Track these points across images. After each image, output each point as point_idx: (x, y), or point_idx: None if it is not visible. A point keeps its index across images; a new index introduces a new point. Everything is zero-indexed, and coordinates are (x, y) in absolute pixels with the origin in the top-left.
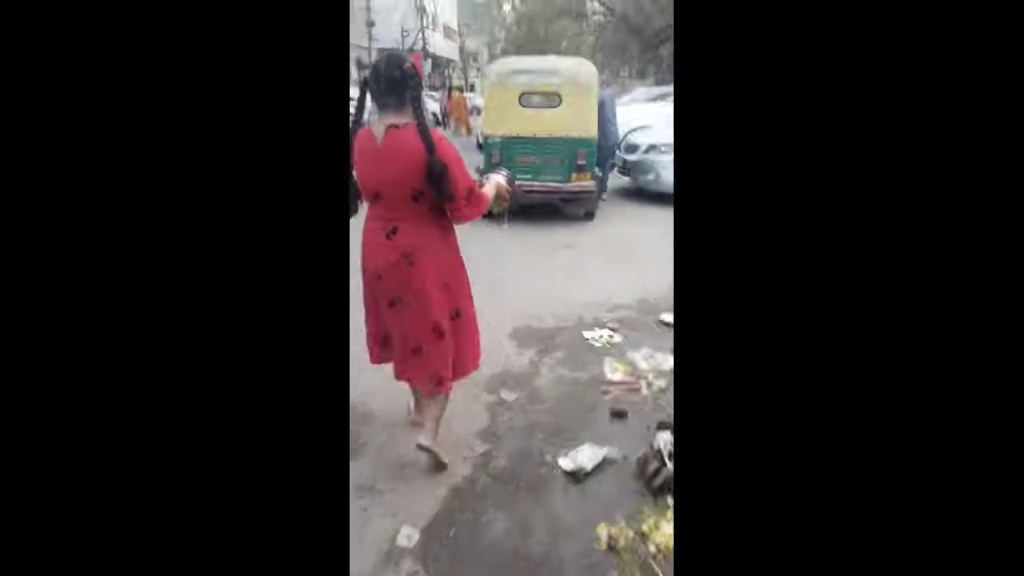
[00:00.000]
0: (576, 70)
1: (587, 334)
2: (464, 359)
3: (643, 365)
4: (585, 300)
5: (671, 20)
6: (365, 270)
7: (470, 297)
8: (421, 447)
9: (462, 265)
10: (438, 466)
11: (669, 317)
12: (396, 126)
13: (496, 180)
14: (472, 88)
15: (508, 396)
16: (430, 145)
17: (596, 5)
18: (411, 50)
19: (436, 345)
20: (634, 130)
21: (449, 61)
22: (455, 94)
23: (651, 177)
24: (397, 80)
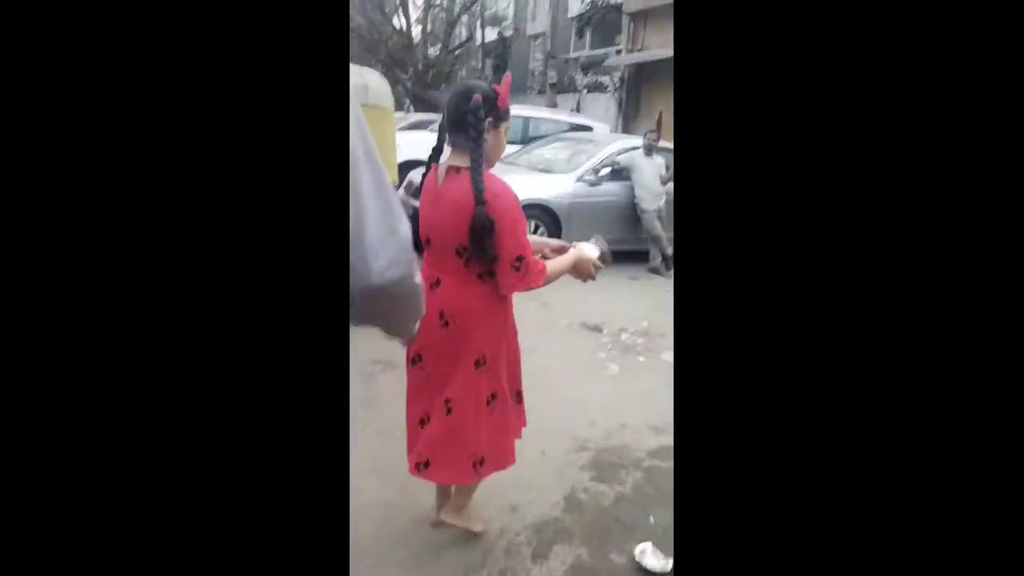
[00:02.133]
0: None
1: None
2: (492, 456)
3: None
4: None
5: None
6: None
7: (517, 384)
8: (435, 523)
9: (514, 344)
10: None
11: None
12: (456, 168)
13: (581, 252)
14: None
15: None
16: (479, 195)
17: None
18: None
19: (440, 422)
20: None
21: None
22: None
23: None
24: (462, 114)
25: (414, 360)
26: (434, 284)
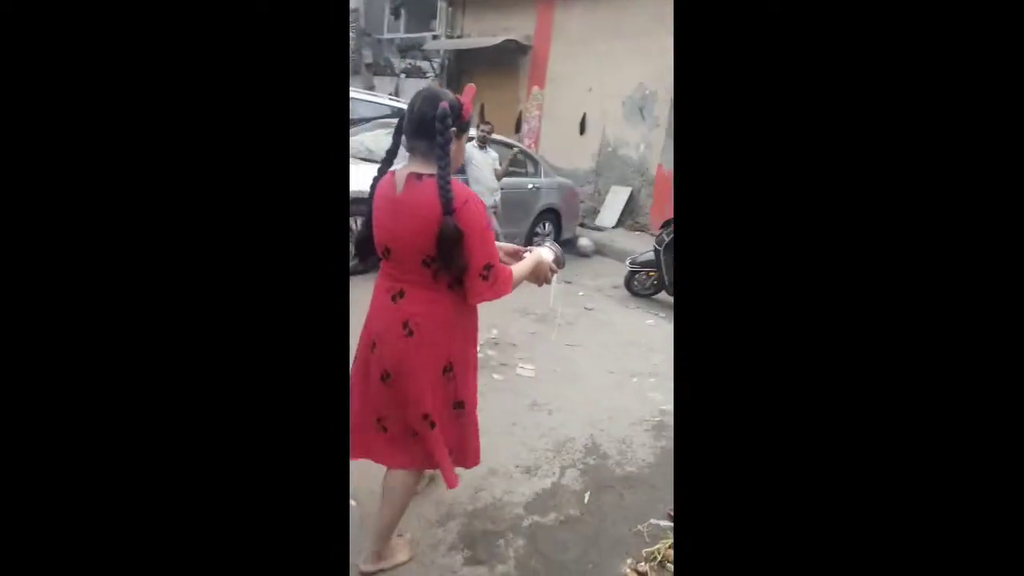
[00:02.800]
0: None
1: None
2: (463, 455)
3: None
4: None
5: None
6: (362, 337)
7: (475, 391)
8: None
9: (474, 351)
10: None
11: None
12: (418, 176)
13: (539, 256)
14: None
15: None
16: (447, 204)
17: None
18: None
19: (430, 435)
20: None
21: None
22: None
23: None
24: (427, 120)
25: (384, 376)
26: (397, 295)
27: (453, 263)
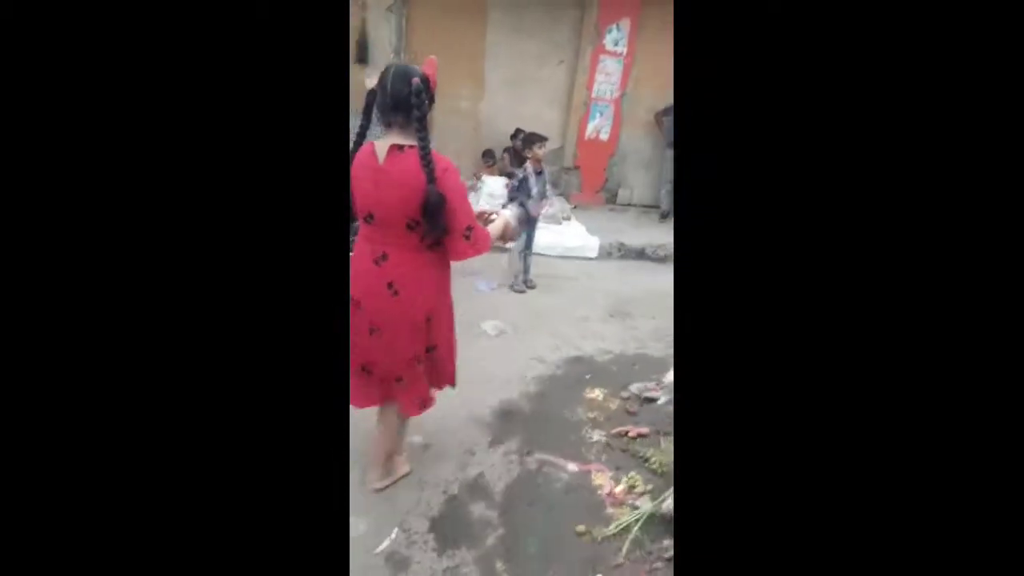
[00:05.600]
0: None
1: None
2: (438, 381)
3: None
4: None
5: None
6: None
7: (451, 330)
8: (378, 490)
9: (449, 300)
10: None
11: None
12: (400, 147)
13: (505, 218)
14: None
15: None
16: (430, 173)
17: None
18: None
19: (416, 372)
20: None
21: None
22: None
23: None
24: (403, 97)
25: (372, 330)
26: (380, 258)
27: (437, 226)
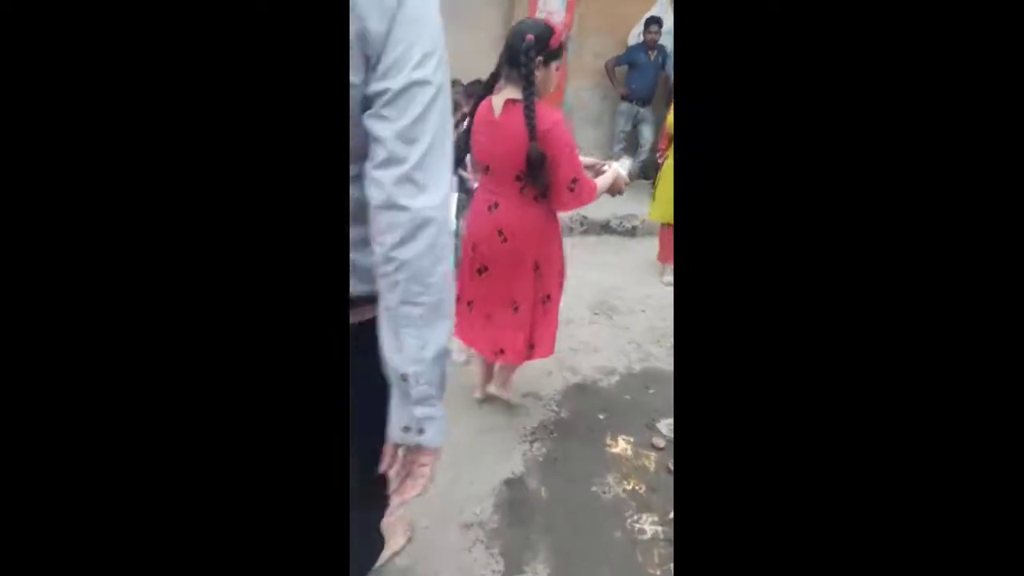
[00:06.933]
0: None
1: None
2: (541, 344)
3: None
4: None
5: None
6: (466, 238)
7: (560, 286)
8: (489, 394)
9: (559, 252)
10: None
11: None
12: (514, 101)
13: (616, 171)
14: None
15: None
16: (532, 130)
17: None
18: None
19: (509, 318)
20: None
21: None
22: None
23: None
24: (516, 53)
25: (480, 270)
26: (492, 206)
27: (539, 181)
